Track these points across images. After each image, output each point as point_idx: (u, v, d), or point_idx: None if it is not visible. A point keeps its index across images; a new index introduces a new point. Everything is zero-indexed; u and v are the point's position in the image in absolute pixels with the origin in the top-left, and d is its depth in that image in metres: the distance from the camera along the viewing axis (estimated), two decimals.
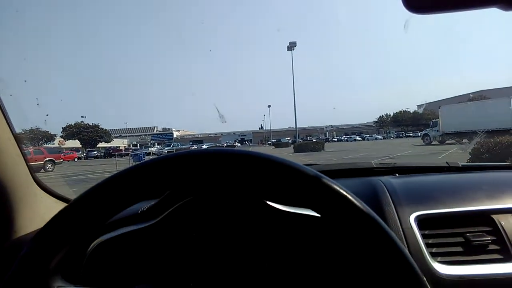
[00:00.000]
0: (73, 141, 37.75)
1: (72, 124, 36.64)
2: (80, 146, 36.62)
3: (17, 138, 0.64)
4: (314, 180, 0.35)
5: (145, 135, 62.50)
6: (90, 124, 37.07)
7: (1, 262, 0.60)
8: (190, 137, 71.56)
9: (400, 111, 59.58)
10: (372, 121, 64.16)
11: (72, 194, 0.87)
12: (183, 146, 34.08)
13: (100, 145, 39.54)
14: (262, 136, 65.26)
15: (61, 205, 0.80)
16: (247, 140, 69.51)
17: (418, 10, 0.33)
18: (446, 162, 0.91)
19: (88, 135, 35.30)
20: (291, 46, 33.93)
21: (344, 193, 0.34)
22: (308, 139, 49.85)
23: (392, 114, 61.31)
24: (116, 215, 0.37)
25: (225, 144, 50.84)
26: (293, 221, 0.54)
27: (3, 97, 0.58)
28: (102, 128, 39.29)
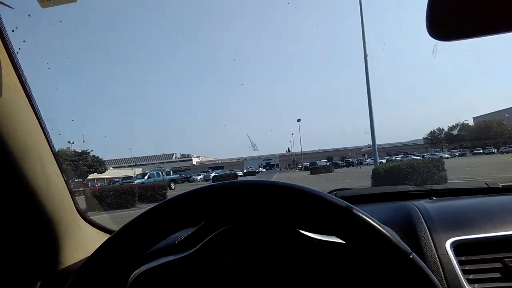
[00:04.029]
0: None
1: (56, 151, 30.53)
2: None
3: (63, 171, 0.67)
4: (345, 211, 0.36)
5: (159, 163, 57.32)
6: (78, 151, 30.60)
7: None
8: (210, 163, 65.53)
9: (457, 125, 49.38)
10: (422, 137, 54.92)
11: (112, 224, 0.91)
12: (171, 177, 25.62)
13: (92, 176, 32.95)
14: (290, 159, 56.75)
15: (103, 236, 0.83)
16: (275, 165, 62.24)
17: (445, 38, 0.32)
18: (485, 183, 0.89)
19: (74, 165, 28.81)
20: None
21: (374, 223, 0.36)
22: (349, 161, 40.93)
23: (446, 129, 51.30)
24: (156, 245, 0.38)
25: (245, 170, 43.25)
26: (322, 248, 0.55)
27: (52, 135, 0.64)
28: (94, 156, 32.67)
